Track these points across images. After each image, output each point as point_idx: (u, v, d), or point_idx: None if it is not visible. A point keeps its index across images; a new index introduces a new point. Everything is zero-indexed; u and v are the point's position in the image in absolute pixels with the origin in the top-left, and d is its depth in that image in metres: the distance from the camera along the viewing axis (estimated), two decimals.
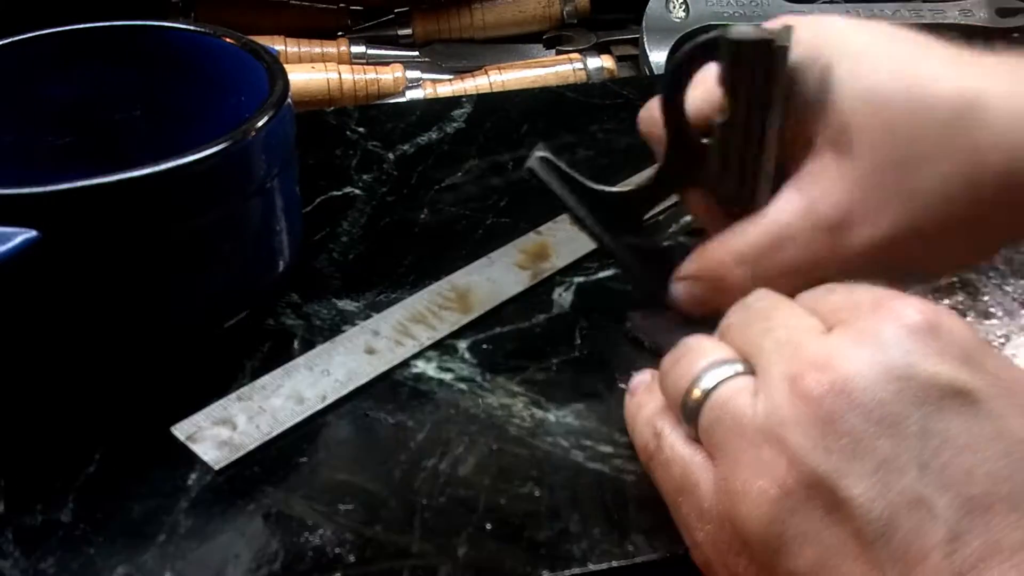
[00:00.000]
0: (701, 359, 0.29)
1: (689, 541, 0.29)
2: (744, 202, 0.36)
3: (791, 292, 0.30)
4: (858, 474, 0.24)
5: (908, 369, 0.25)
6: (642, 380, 0.33)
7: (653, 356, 0.32)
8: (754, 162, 0.35)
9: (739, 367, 0.28)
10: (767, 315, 0.29)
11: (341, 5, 0.72)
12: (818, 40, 0.34)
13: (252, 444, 0.36)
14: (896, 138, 0.32)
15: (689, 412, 0.28)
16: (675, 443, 0.29)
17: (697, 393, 0.28)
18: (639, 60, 0.70)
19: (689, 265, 0.37)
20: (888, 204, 0.33)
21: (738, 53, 0.33)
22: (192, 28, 0.46)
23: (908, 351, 0.25)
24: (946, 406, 0.24)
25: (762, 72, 0.33)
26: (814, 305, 0.29)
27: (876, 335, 0.25)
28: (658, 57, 0.68)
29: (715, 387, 0.28)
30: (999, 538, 0.23)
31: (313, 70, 0.63)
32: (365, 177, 0.53)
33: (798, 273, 0.33)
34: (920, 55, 0.33)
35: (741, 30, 0.33)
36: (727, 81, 0.34)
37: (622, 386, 0.37)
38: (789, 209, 0.34)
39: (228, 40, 0.45)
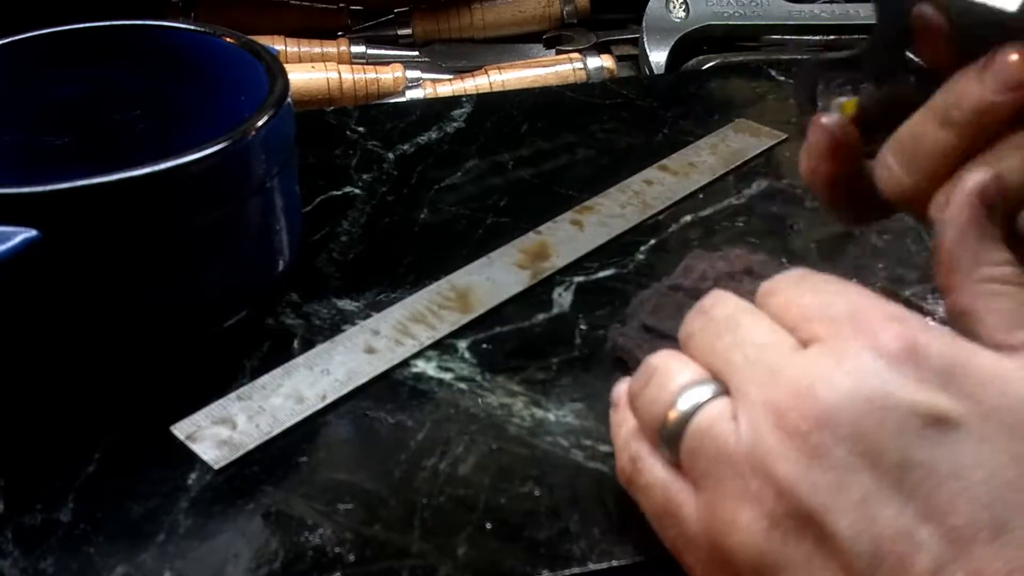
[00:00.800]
0: (671, 381, 0.28)
1: (679, 561, 0.28)
2: None
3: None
4: (843, 508, 0.24)
5: (888, 399, 0.24)
6: (623, 392, 0.32)
7: None
8: None
9: (713, 387, 0.28)
10: (732, 327, 0.28)
11: (341, 5, 0.72)
12: None
13: (252, 443, 0.36)
14: None
15: (668, 436, 0.28)
16: (654, 467, 0.29)
17: (674, 416, 0.28)
18: (639, 60, 0.70)
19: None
20: None
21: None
22: (192, 28, 0.46)
23: (887, 380, 0.25)
24: (927, 435, 0.24)
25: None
26: (783, 309, 0.28)
27: (855, 359, 0.25)
28: (658, 57, 0.68)
29: (693, 412, 0.27)
30: (982, 567, 0.23)
31: (313, 70, 0.63)
32: (365, 177, 0.53)
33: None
34: None
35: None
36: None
37: None
38: None
39: (228, 40, 0.45)
